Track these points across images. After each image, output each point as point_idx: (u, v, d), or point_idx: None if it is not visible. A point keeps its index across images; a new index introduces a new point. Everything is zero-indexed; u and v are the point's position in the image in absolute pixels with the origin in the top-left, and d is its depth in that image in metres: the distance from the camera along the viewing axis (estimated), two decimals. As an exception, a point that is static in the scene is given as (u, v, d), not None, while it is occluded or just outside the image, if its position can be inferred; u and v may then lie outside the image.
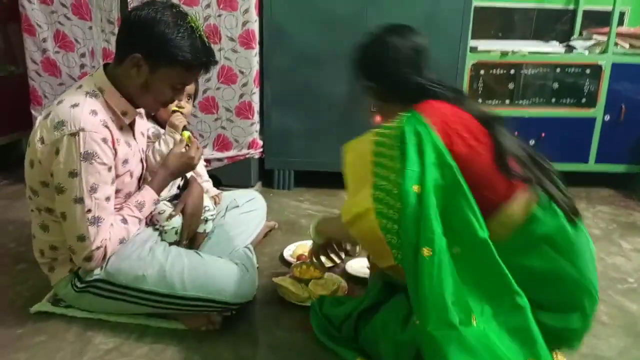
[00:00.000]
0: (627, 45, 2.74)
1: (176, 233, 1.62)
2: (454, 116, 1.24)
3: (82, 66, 2.44)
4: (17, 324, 1.47)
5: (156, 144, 1.64)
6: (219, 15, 2.34)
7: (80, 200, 1.31)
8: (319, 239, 1.49)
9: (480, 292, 1.11)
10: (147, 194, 1.49)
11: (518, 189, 1.18)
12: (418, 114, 1.22)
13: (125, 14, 1.38)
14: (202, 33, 1.35)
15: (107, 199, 1.35)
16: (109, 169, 1.34)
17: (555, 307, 1.15)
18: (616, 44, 2.69)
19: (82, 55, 2.43)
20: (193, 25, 1.33)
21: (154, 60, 1.31)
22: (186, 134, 1.61)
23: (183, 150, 1.56)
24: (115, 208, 1.43)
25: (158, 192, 1.52)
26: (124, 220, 1.42)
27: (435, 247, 1.06)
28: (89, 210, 1.31)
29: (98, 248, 1.34)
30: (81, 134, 1.27)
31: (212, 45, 1.40)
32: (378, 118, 1.44)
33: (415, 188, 1.10)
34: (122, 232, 1.41)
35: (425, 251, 1.06)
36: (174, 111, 1.70)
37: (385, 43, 1.34)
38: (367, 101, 1.47)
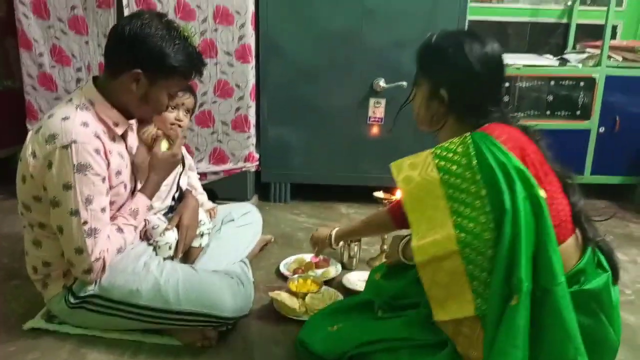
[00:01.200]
0: (620, 58, 2.76)
1: (170, 248, 1.61)
2: (527, 144, 1.14)
3: (78, 80, 2.44)
4: (9, 341, 1.45)
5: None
6: (215, 30, 2.35)
7: (76, 213, 1.30)
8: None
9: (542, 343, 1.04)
10: (140, 200, 1.49)
11: (569, 236, 1.14)
12: (489, 135, 1.10)
13: (115, 27, 1.37)
14: (192, 40, 1.38)
15: (103, 209, 1.35)
16: (103, 179, 1.34)
17: None
18: (609, 57, 2.72)
19: (79, 69, 2.43)
20: (185, 34, 1.36)
21: (154, 74, 1.34)
22: (163, 144, 1.61)
23: (166, 152, 1.56)
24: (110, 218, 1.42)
25: (150, 197, 1.52)
26: (120, 230, 1.42)
27: (522, 295, 0.99)
28: (85, 222, 1.31)
29: (97, 260, 1.34)
30: (73, 145, 1.27)
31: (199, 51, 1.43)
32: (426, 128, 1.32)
33: (508, 231, 1.00)
34: (119, 241, 1.40)
35: (514, 300, 1.00)
36: (172, 124, 1.70)
37: (475, 51, 1.19)
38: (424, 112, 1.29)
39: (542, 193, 1.05)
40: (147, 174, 1.56)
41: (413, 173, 1.13)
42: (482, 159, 1.07)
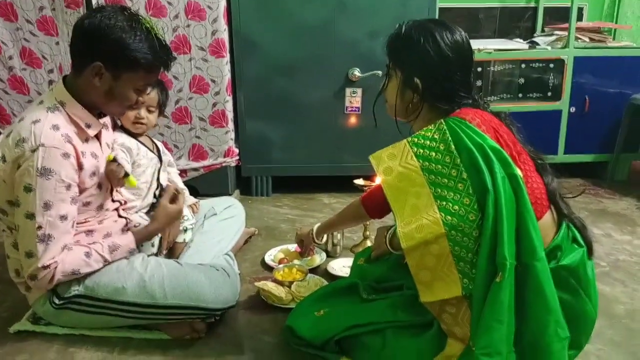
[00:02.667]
0: (587, 39, 2.84)
1: (153, 245, 1.61)
2: (499, 125, 1.18)
3: (50, 82, 2.41)
4: (-4, 345, 1.44)
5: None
6: (188, 26, 2.34)
7: (31, 216, 1.28)
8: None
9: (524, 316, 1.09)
10: (126, 240, 1.44)
11: (545, 213, 1.17)
12: (462, 119, 1.14)
13: (77, 22, 1.33)
14: (158, 32, 1.34)
15: (62, 217, 1.30)
16: (68, 186, 1.30)
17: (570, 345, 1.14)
18: (577, 39, 2.79)
19: (50, 71, 2.40)
20: (148, 25, 1.32)
21: (115, 67, 1.30)
22: (132, 180, 1.51)
23: (174, 205, 1.53)
24: (87, 230, 1.41)
25: (139, 242, 1.47)
26: (88, 255, 1.36)
27: (506, 272, 1.02)
28: (40, 227, 1.28)
29: (45, 267, 1.29)
30: (41, 149, 1.26)
31: (168, 44, 1.38)
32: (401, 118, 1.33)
33: (491, 211, 1.04)
34: (78, 262, 1.34)
35: (498, 277, 1.03)
36: (134, 123, 1.67)
37: (446, 38, 1.21)
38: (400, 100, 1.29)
39: (518, 172, 1.09)
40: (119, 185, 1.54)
41: (393, 163, 1.16)
42: (459, 143, 1.10)
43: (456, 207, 1.07)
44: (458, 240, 1.07)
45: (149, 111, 1.70)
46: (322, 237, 1.75)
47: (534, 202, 1.13)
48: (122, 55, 1.28)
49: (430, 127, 1.16)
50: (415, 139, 1.16)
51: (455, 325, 1.16)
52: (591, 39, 2.84)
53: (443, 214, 1.07)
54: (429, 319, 1.25)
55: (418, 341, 1.24)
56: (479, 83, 2.75)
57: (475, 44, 2.88)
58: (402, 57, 1.27)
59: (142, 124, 1.68)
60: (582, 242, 1.22)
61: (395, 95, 1.29)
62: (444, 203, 1.08)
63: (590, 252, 1.23)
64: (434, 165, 1.11)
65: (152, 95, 1.69)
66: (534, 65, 2.77)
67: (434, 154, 1.12)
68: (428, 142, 1.14)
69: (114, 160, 1.45)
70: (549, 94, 2.80)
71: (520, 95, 2.80)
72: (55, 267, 1.31)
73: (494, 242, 1.05)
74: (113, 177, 1.46)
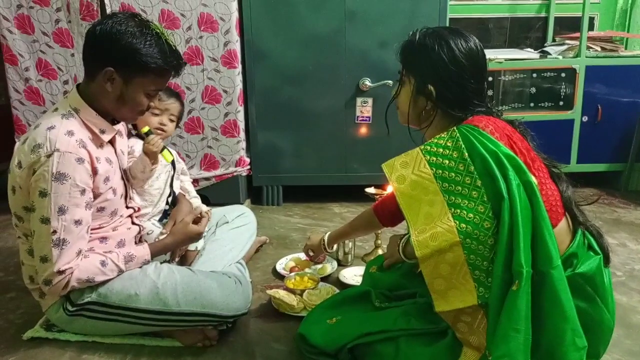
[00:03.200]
0: (598, 49, 2.83)
1: (165, 253, 1.62)
2: (512, 132, 1.17)
3: (65, 93, 2.45)
4: (9, 352, 1.44)
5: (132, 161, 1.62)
6: (200, 37, 2.37)
7: (46, 221, 1.29)
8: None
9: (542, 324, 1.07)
10: (142, 251, 1.46)
11: (560, 220, 1.16)
12: (475, 127, 1.13)
13: (89, 29, 1.35)
14: (168, 38, 1.36)
15: (77, 222, 1.32)
16: (82, 191, 1.32)
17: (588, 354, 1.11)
18: (588, 48, 2.78)
19: (65, 82, 2.44)
20: (158, 31, 1.35)
21: (127, 72, 1.32)
22: (166, 155, 1.60)
23: (195, 227, 1.55)
24: (101, 237, 1.42)
25: (154, 255, 1.49)
26: (103, 263, 1.37)
27: (522, 280, 1.01)
28: (54, 232, 1.29)
29: (60, 272, 1.30)
30: (56, 154, 1.27)
31: (178, 49, 1.40)
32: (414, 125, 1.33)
33: (506, 218, 1.02)
34: (93, 270, 1.35)
35: (515, 285, 1.01)
36: (156, 129, 1.71)
37: (460, 45, 1.21)
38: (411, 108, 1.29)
39: (533, 179, 1.08)
40: (142, 183, 1.57)
41: (405, 171, 1.15)
42: (473, 150, 1.09)
43: (471, 215, 1.06)
44: (473, 248, 1.05)
45: (170, 120, 1.74)
46: (333, 247, 1.75)
47: (549, 210, 1.12)
48: (133, 59, 1.30)
49: (443, 135, 1.16)
50: (428, 147, 1.16)
51: (471, 334, 1.14)
52: (603, 48, 2.83)
53: (457, 222, 1.06)
54: (443, 327, 1.24)
55: (432, 349, 1.22)
56: (490, 93, 2.75)
57: (486, 53, 2.89)
58: (415, 64, 1.27)
59: (163, 131, 1.72)
60: (598, 249, 1.21)
61: (409, 102, 1.29)
62: (458, 211, 1.07)
63: (606, 259, 1.21)
64: (447, 172, 1.11)
65: (175, 105, 1.74)
66: (545, 75, 2.76)
67: (447, 161, 1.11)
68: (441, 150, 1.13)
69: (150, 132, 1.54)
70: (561, 103, 2.78)
71: (531, 104, 2.79)
72: (71, 274, 1.32)
73: (509, 250, 1.04)
74: (150, 151, 1.54)
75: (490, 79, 2.73)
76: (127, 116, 1.45)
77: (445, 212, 1.08)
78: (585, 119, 2.79)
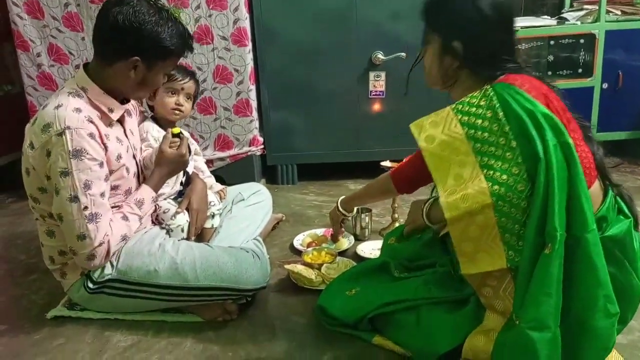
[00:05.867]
0: (619, 12, 2.73)
1: (182, 230, 1.62)
2: (549, 92, 1.11)
3: (78, 78, 2.45)
4: (34, 331, 1.47)
5: (147, 153, 1.64)
6: (210, 16, 2.35)
7: (75, 199, 1.30)
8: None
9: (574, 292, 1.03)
10: (145, 191, 1.50)
11: (594, 182, 1.12)
12: (511, 85, 1.08)
13: (102, 13, 1.34)
14: (179, 18, 1.40)
15: (102, 194, 1.34)
16: (101, 164, 1.34)
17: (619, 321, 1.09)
18: (608, 12, 2.69)
19: (77, 66, 2.44)
20: (175, 15, 1.38)
21: (151, 59, 1.36)
22: (177, 130, 1.59)
23: (173, 148, 1.55)
24: (115, 206, 1.43)
25: (155, 189, 1.53)
26: (125, 217, 1.42)
27: (556, 243, 0.97)
28: (86, 207, 1.30)
29: (101, 244, 1.33)
30: (67, 132, 1.28)
31: (187, 28, 1.44)
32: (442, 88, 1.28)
33: (542, 180, 0.98)
34: (123, 228, 1.40)
35: (547, 249, 0.98)
36: (173, 109, 1.71)
37: None
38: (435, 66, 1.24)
39: (570, 140, 1.02)
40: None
41: (435, 131, 1.10)
42: (508, 110, 1.04)
43: (504, 177, 1.01)
44: (505, 211, 1.01)
45: (186, 99, 1.73)
46: (351, 210, 1.71)
47: (584, 171, 1.06)
48: (157, 48, 1.35)
49: (476, 94, 1.10)
50: (460, 106, 1.10)
51: (496, 299, 1.12)
52: (623, 12, 2.73)
53: (490, 184, 1.01)
54: (465, 295, 1.22)
55: (454, 316, 1.21)
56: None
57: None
58: (439, 20, 1.21)
59: (180, 111, 1.72)
60: (628, 213, 1.16)
61: (432, 62, 1.23)
62: (491, 172, 1.02)
63: (637, 224, 1.16)
64: (480, 133, 1.05)
65: (190, 84, 1.73)
66: (563, 42, 2.68)
67: (480, 121, 1.06)
68: (474, 109, 1.07)
69: (179, 135, 1.55)
70: (580, 70, 2.70)
71: (549, 72, 2.71)
72: (108, 240, 1.35)
73: (543, 213, 0.99)
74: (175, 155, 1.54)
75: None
76: (142, 96, 1.51)
77: (477, 173, 1.04)
78: (605, 86, 2.71)
